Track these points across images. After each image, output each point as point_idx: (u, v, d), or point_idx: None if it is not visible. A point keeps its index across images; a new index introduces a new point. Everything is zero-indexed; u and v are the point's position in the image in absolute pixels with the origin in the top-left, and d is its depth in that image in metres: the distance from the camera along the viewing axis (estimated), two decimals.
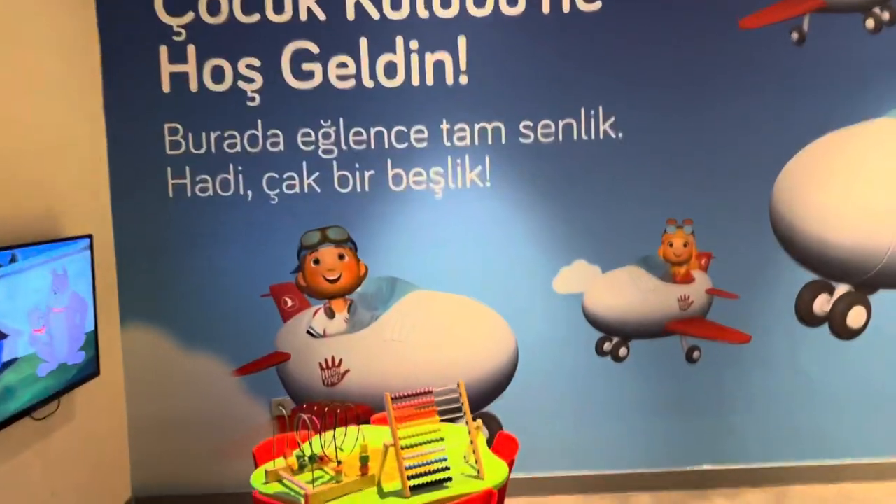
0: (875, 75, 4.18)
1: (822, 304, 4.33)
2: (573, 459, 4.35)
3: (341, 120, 4.13)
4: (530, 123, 4.17)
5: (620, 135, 4.20)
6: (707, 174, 4.23)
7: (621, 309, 4.31)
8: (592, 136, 4.19)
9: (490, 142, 4.17)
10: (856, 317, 4.33)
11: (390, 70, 4.11)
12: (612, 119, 4.19)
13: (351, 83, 4.12)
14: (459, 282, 4.21)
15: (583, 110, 4.18)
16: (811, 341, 4.32)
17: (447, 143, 4.16)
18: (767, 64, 4.18)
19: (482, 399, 4.29)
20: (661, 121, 4.20)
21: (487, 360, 4.25)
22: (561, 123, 4.18)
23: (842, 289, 4.32)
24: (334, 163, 4.15)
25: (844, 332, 4.34)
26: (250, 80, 4.11)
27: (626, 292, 4.30)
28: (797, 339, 4.32)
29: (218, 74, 4.10)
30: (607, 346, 4.33)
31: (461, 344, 4.23)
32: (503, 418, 4.29)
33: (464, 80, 4.14)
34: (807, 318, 4.33)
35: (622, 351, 4.33)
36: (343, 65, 4.11)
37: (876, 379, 4.33)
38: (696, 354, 4.34)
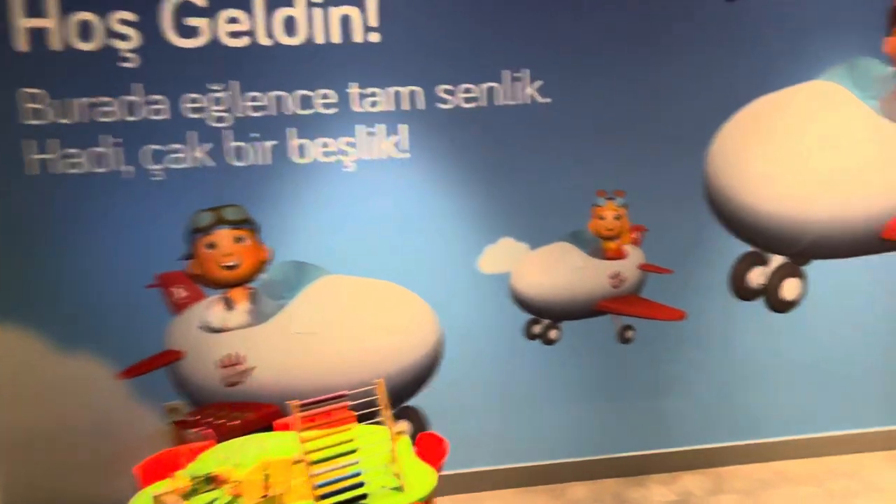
0: (808, 35, 3.96)
1: (757, 276, 4.14)
2: (504, 452, 4.04)
3: (235, 83, 3.61)
4: (450, 87, 3.77)
5: (548, 100, 3.85)
6: (639, 142, 3.95)
7: (551, 288, 3.99)
8: (518, 101, 3.83)
9: (406, 107, 3.74)
10: (791, 289, 4.17)
11: (290, 26, 3.61)
12: (539, 83, 3.84)
13: (245, 41, 3.60)
14: (376, 264, 3.79)
15: (507, 73, 3.80)
16: (747, 316, 4.14)
17: (358, 109, 3.71)
18: (699, 22, 3.91)
19: (405, 392, 3.90)
20: (590, 85, 3.88)
21: (409, 349, 3.87)
22: (483, 87, 3.79)
23: (777, 260, 4.14)
24: (228, 132, 3.63)
25: (780, 305, 4.17)
26: (125, 38, 3.53)
27: (556, 270, 3.98)
28: (732, 314, 4.13)
29: (86, 30, 3.50)
30: (537, 328, 4.01)
31: (380, 333, 3.81)
32: (429, 411, 3.92)
33: (374, 37, 3.68)
34: (742, 291, 4.14)
35: (553, 333, 4.03)
36: (234, 20, 3.58)
37: (811, 353, 4.19)
38: (629, 334, 4.09)
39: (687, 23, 3.90)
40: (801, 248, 4.10)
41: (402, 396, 3.90)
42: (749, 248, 4.11)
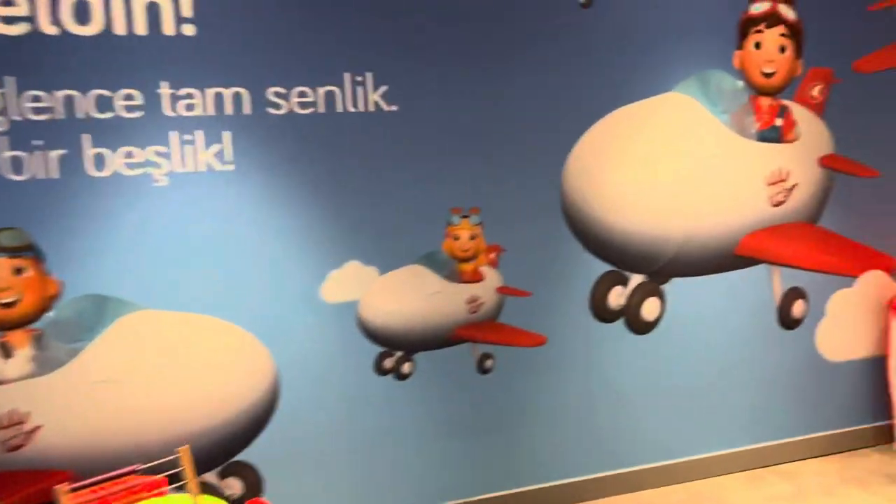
0: (662, 45, 3.83)
1: (616, 297, 3.94)
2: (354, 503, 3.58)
3: (10, 80, 2.93)
4: (282, 90, 3.28)
5: (395, 108, 3.46)
6: (495, 155, 3.64)
7: (404, 317, 3.59)
8: (361, 108, 3.41)
9: (230, 112, 3.22)
10: (650, 309, 4.01)
11: (82, 12, 2.99)
12: (385, 88, 3.44)
13: (23, 28, 2.93)
14: (195, 296, 3.21)
15: (348, 76, 3.38)
16: (608, 338, 3.93)
17: (170, 113, 3.14)
18: (554, 30, 3.67)
19: (235, 445, 3.34)
20: (441, 92, 3.53)
21: (239, 394, 3.31)
22: (321, 91, 3.34)
23: (636, 279, 3.96)
24: (2, 139, 2.94)
25: (640, 326, 4.00)
26: None
27: (409, 297, 3.58)
28: (594, 337, 3.90)
29: None
30: (389, 362, 3.59)
31: (201, 377, 3.23)
32: (264, 465, 3.37)
33: (189, 30, 3.14)
34: (602, 313, 3.92)
35: (406, 366, 3.62)
36: (8, 2, 2.91)
37: (671, 374, 4.04)
38: (488, 363, 3.76)
39: (541, 29, 3.65)
40: (660, 267, 3.95)
41: (232, 450, 3.33)
42: (608, 268, 3.90)
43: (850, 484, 4.02)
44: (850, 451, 4.38)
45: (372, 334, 3.53)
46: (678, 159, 3.90)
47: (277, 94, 3.28)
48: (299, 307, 3.39)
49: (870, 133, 4.23)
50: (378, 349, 3.56)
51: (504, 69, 3.61)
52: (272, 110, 3.27)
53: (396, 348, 3.59)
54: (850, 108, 4.16)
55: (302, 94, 3.31)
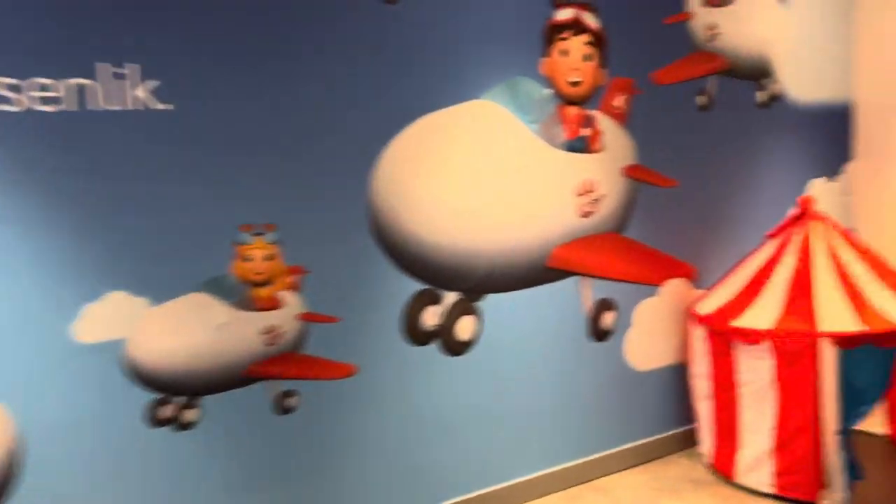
0: (470, 49, 3.61)
1: (430, 317, 3.66)
2: None
3: None
4: (15, 81, 2.63)
5: (169, 106, 2.92)
6: (293, 164, 3.21)
7: (184, 355, 3.03)
8: (123, 106, 2.82)
9: None
10: (465, 328, 3.76)
11: None
12: (154, 83, 2.88)
13: None
14: None
15: (104, 67, 2.78)
16: (422, 362, 3.63)
17: None
18: (354, 25, 3.32)
19: None
20: (227, 89, 3.04)
21: None
22: (69, 84, 2.72)
23: (450, 298, 3.70)
24: None
25: (456, 347, 3.74)
26: None
27: (190, 330, 3.03)
28: (408, 362, 3.59)
29: None
30: (167, 410, 3.01)
31: None
32: None
33: None
34: (416, 335, 3.62)
35: (189, 414, 3.06)
36: None
37: (488, 395, 3.82)
38: (291, 401, 3.30)
39: (341, 25, 3.29)
40: (475, 283, 3.72)
41: None
42: (421, 286, 3.61)
43: (661, 493, 4.03)
44: (659, 458, 4.43)
45: (144, 379, 2.94)
46: (488, 170, 3.69)
47: (9, 87, 2.61)
48: (45, 350, 2.73)
49: (668, 144, 4.31)
50: (152, 395, 2.97)
51: (302, 66, 3.19)
52: (3, 106, 2.60)
53: (176, 393, 3.02)
54: (650, 119, 4.20)
55: (43, 88, 2.66)
